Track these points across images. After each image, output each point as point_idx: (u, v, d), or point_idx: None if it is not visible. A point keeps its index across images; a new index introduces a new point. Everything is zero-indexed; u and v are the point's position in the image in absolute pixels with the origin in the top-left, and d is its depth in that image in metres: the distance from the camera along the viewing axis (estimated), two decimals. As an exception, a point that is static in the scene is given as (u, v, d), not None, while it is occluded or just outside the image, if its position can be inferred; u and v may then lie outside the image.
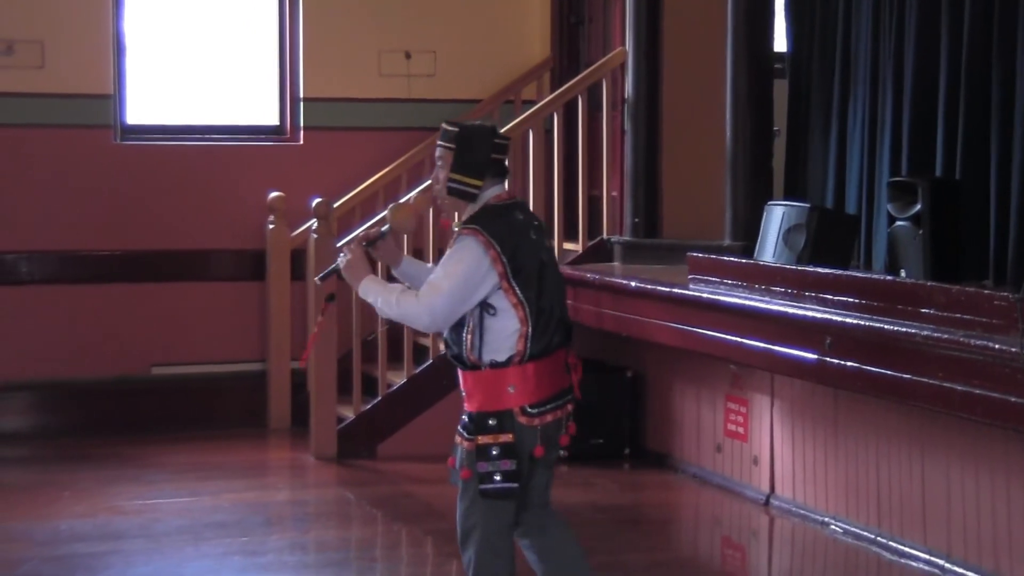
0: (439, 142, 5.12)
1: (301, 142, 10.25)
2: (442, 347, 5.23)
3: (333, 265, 5.23)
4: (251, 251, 10.03)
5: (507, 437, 4.96)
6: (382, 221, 5.28)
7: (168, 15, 10.17)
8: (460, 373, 5.11)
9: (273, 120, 10.33)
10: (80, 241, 9.79)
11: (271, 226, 9.89)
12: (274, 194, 9.82)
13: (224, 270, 10.10)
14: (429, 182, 5.27)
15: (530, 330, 4.97)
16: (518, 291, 4.96)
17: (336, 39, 10.24)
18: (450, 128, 5.11)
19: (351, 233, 8.61)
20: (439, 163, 5.10)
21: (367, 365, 9.21)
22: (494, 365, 4.98)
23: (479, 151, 5.07)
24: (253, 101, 10.33)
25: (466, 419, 5.06)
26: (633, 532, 7.68)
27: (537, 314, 4.98)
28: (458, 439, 5.09)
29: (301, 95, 10.22)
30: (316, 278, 5.29)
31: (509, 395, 4.98)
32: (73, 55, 9.71)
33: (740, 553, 7.67)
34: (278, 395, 9.84)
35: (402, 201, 5.23)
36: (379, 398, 9.06)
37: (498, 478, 4.95)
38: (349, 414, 9.07)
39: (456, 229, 5.07)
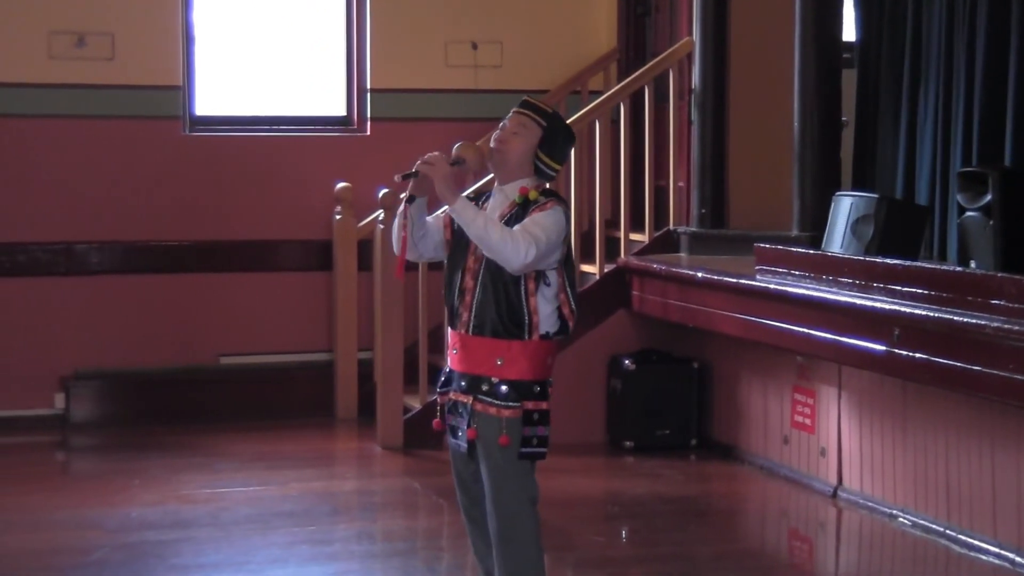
0: (524, 110, 5.14)
1: (368, 133, 10.28)
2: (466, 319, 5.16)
3: (415, 168, 5.12)
4: (318, 241, 10.08)
5: (545, 404, 5.14)
6: (448, 155, 5.22)
7: (237, 6, 10.23)
8: (496, 342, 5.07)
9: (340, 111, 10.37)
10: (149, 231, 9.86)
11: (338, 217, 9.92)
12: (341, 185, 9.85)
13: (291, 260, 10.14)
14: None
15: (574, 310, 5.13)
16: (565, 275, 5.12)
17: (403, 30, 10.26)
18: (542, 106, 5.18)
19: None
20: (516, 130, 5.11)
21: (433, 355, 9.23)
22: (545, 337, 5.10)
23: (568, 140, 5.22)
24: (321, 92, 10.36)
25: (503, 388, 5.08)
26: (699, 524, 7.66)
27: (576, 299, 5.16)
28: (492, 409, 5.09)
29: (368, 86, 10.25)
30: (396, 176, 5.19)
31: (548, 366, 5.15)
32: (143, 47, 9.79)
33: (807, 545, 7.64)
34: (345, 385, 9.88)
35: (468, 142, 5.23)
36: (445, 388, 9.07)
37: (535, 442, 5.12)
38: (416, 404, 9.10)
39: (539, 198, 5.09)
